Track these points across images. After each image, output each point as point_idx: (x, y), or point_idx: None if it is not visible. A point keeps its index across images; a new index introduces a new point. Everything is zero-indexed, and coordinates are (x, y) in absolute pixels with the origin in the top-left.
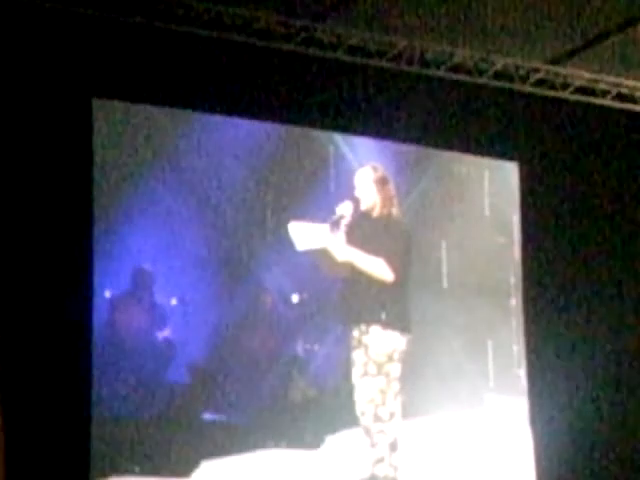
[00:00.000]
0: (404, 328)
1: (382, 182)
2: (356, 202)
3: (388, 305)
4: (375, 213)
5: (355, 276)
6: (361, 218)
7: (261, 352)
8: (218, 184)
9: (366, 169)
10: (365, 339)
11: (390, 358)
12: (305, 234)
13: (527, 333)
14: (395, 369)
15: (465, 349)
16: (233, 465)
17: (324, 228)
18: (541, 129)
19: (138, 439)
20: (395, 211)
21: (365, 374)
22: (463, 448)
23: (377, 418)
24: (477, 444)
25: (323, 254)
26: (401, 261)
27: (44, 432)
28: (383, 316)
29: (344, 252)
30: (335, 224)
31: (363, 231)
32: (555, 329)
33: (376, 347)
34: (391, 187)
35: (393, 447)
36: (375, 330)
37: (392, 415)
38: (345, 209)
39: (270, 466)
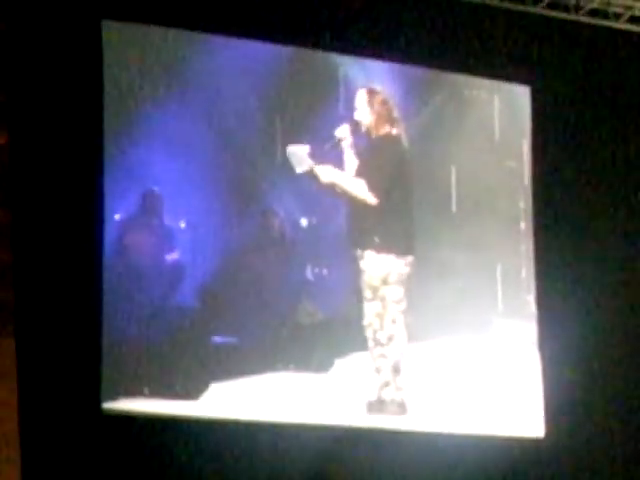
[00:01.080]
0: (400, 251)
1: (379, 103)
2: (355, 124)
3: (380, 228)
4: (372, 134)
5: (349, 199)
6: (360, 140)
7: (270, 276)
8: (228, 107)
9: (362, 91)
10: (362, 264)
11: (385, 282)
12: (298, 157)
13: (536, 258)
14: (392, 292)
15: (474, 273)
16: (241, 387)
17: (305, 149)
18: (553, 52)
19: (148, 362)
20: (394, 132)
21: (363, 299)
22: (471, 372)
23: (377, 342)
24: (485, 368)
25: (313, 176)
26: (386, 182)
27: (55, 355)
28: (376, 240)
29: (326, 174)
30: (335, 147)
31: (360, 153)
32: (565, 254)
33: (370, 271)
34: (390, 107)
35: (396, 370)
36: (369, 254)
37: (391, 338)
38: (343, 132)
39: (278, 389)
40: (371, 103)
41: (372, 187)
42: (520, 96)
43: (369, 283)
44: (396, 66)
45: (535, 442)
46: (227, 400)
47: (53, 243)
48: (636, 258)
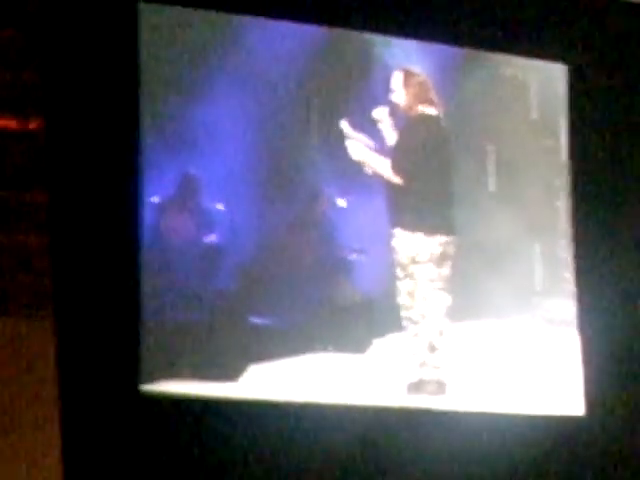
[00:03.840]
0: (431, 230)
1: (415, 84)
2: (392, 106)
3: (408, 207)
4: (409, 114)
5: (381, 178)
6: (399, 121)
7: (308, 257)
8: (264, 88)
9: (398, 72)
10: (393, 242)
11: (413, 260)
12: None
13: (575, 236)
14: (423, 271)
15: (511, 252)
16: (281, 369)
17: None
18: (591, 31)
19: (186, 344)
20: (429, 112)
21: (396, 278)
22: (510, 351)
23: (411, 321)
24: (524, 347)
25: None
26: (412, 162)
27: (94, 337)
28: (406, 218)
29: (357, 151)
30: (374, 128)
31: (397, 133)
32: (603, 232)
33: (400, 249)
34: (427, 88)
35: (432, 349)
36: (399, 232)
37: (424, 316)
38: (380, 113)
39: (317, 370)
40: (407, 84)
41: (396, 167)
42: (557, 75)
43: (400, 261)
44: (431, 46)
45: (576, 420)
46: (266, 381)
47: (90, 225)
48: None
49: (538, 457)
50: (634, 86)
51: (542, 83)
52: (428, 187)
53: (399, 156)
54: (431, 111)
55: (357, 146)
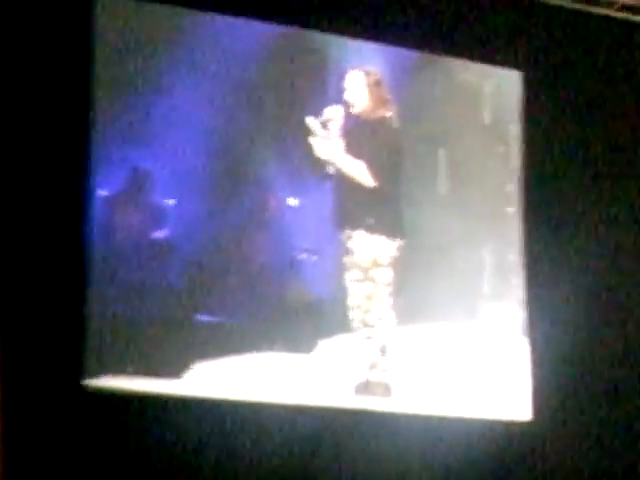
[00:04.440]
0: (392, 233)
1: (374, 85)
2: (346, 105)
3: (374, 210)
4: (366, 116)
5: (342, 179)
6: (351, 121)
7: (259, 255)
8: (219, 86)
9: (357, 72)
10: (350, 244)
11: (375, 263)
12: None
13: (525, 242)
14: (382, 275)
15: (460, 256)
16: (226, 367)
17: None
18: (546, 39)
19: (132, 340)
20: (388, 115)
21: (352, 280)
22: (458, 355)
23: (365, 323)
24: (472, 352)
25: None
26: (385, 166)
27: (38, 332)
28: (369, 221)
29: (326, 150)
30: (323, 126)
31: (352, 134)
32: (552, 238)
33: (361, 252)
34: (384, 90)
35: (383, 352)
36: (359, 235)
37: (379, 320)
38: (334, 112)
39: (263, 369)
40: (366, 85)
41: (371, 170)
42: (511, 81)
43: (359, 264)
44: (386, 48)
45: (522, 425)
46: (211, 379)
47: (38, 218)
48: (623, 244)
49: (484, 461)
50: (587, 94)
51: (496, 89)
52: (391, 190)
53: (374, 159)
54: (388, 114)
55: (324, 144)
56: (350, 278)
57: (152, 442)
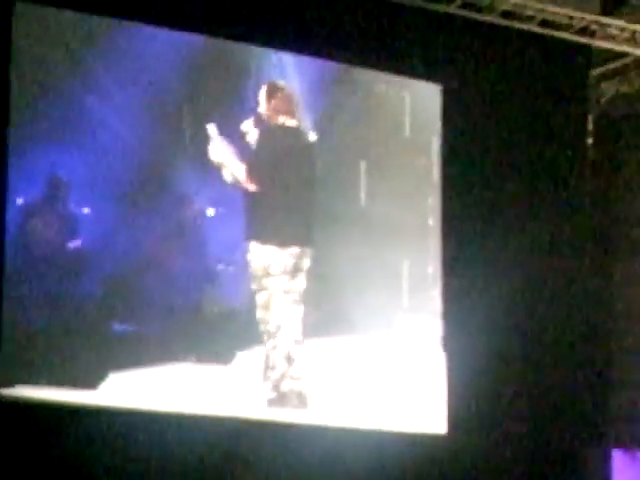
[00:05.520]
0: (283, 242)
1: (278, 97)
2: (258, 117)
3: (260, 218)
4: (265, 123)
5: (242, 189)
6: (260, 131)
7: (175, 265)
8: (138, 95)
9: (264, 85)
10: (248, 256)
11: (267, 273)
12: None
13: (444, 254)
14: (276, 283)
15: (380, 268)
16: (141, 377)
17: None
18: (466, 52)
19: (47, 350)
20: (289, 123)
21: (254, 290)
22: (375, 367)
23: (268, 334)
24: (389, 364)
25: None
26: (265, 171)
27: None
28: (257, 230)
29: (216, 153)
30: (241, 140)
31: (252, 141)
32: (472, 251)
33: (254, 262)
34: (289, 101)
35: (289, 360)
36: (253, 246)
37: (279, 328)
38: (247, 126)
39: (179, 379)
40: (269, 97)
41: (251, 174)
42: (431, 94)
43: (254, 274)
44: (307, 60)
45: (437, 439)
46: (126, 390)
47: None
48: (541, 257)
49: (399, 474)
50: (506, 107)
51: (416, 102)
52: (283, 198)
53: (253, 163)
54: (291, 122)
55: (218, 148)
56: (252, 288)
57: (67, 451)
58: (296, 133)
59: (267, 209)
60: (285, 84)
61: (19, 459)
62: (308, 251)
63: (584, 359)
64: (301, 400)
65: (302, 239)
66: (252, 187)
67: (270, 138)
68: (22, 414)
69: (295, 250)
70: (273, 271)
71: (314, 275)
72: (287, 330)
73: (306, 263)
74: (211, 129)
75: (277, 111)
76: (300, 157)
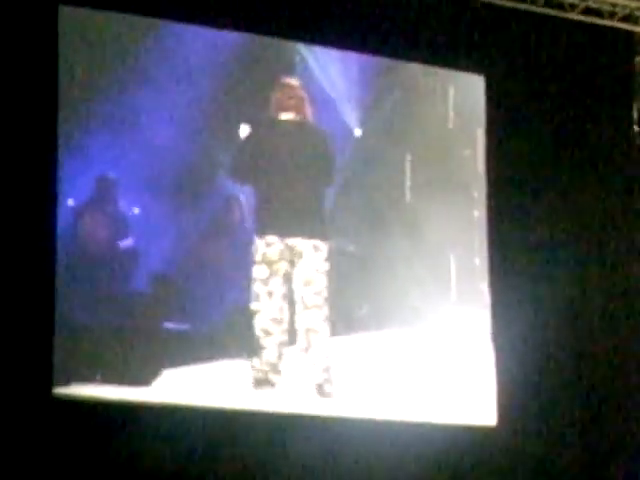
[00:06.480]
0: (282, 234)
1: (280, 90)
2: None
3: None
4: (268, 121)
5: None
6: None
7: (224, 262)
8: (184, 94)
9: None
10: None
11: (270, 263)
12: None
13: (491, 246)
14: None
15: (427, 262)
16: (194, 374)
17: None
18: (508, 42)
19: (100, 348)
20: (285, 117)
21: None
22: (424, 360)
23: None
24: (438, 356)
25: None
26: (252, 166)
27: (7, 340)
28: (259, 226)
29: None
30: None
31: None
32: (519, 243)
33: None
34: (289, 94)
35: (325, 355)
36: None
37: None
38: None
39: (230, 376)
40: (272, 94)
41: (244, 169)
42: (474, 85)
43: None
44: (351, 55)
45: (487, 430)
46: (179, 386)
47: (6, 227)
48: (589, 248)
49: (449, 466)
50: (550, 97)
51: (459, 93)
52: (284, 193)
53: (247, 158)
54: (287, 116)
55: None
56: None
57: (121, 448)
58: (301, 127)
59: (267, 204)
60: (290, 80)
61: (73, 456)
62: (320, 245)
63: (637, 353)
64: (346, 393)
65: (308, 232)
66: (248, 183)
67: (262, 133)
68: (76, 411)
69: (297, 241)
70: (274, 261)
71: (361, 270)
72: (319, 327)
73: (319, 256)
74: (243, 129)
75: (277, 105)
76: (305, 151)
